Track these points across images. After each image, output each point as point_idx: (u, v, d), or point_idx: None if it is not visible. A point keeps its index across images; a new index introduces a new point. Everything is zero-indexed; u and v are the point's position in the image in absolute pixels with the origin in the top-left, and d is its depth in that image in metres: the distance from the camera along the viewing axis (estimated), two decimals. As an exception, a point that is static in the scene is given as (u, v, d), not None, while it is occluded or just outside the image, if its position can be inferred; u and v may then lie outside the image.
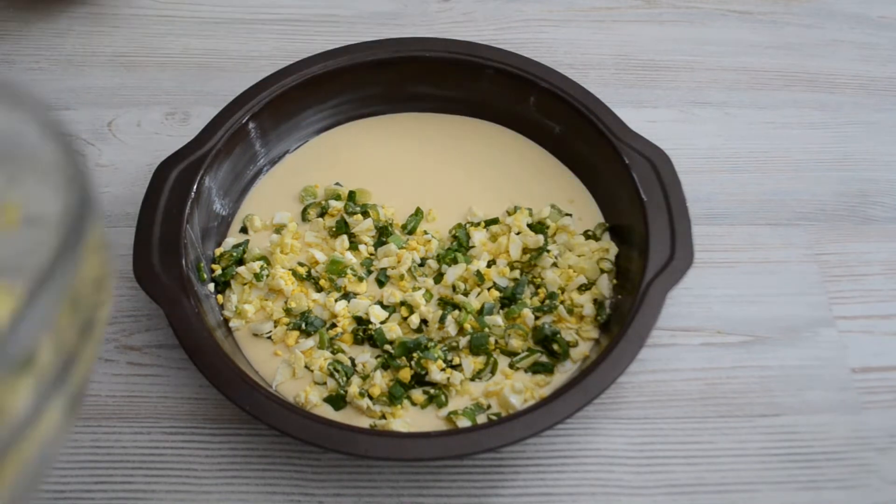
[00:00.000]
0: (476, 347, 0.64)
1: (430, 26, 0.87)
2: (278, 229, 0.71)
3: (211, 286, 0.67)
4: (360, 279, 0.67)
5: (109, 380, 0.64)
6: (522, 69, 0.73)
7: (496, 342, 0.65)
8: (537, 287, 0.67)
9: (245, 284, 0.68)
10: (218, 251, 0.69)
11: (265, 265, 0.68)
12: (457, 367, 0.63)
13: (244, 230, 0.71)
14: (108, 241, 0.39)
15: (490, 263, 0.68)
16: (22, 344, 0.31)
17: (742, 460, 0.61)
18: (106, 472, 0.60)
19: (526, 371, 0.64)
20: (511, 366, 0.64)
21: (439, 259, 0.68)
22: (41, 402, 0.33)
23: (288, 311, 0.66)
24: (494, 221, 0.71)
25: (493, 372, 0.64)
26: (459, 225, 0.70)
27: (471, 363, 0.63)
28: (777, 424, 0.63)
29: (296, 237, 0.70)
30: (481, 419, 0.61)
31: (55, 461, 0.60)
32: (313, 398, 0.62)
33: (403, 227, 0.71)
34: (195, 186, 0.66)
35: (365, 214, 0.70)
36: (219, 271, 0.67)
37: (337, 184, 0.73)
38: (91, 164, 0.76)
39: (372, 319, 0.65)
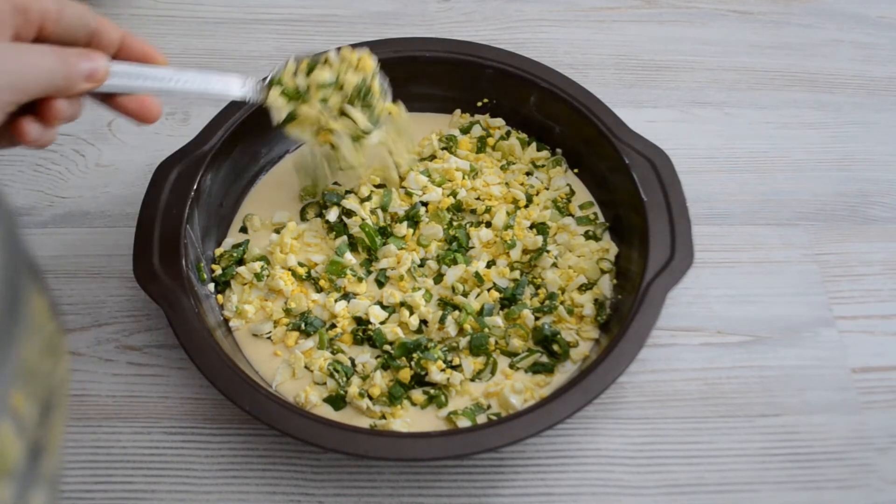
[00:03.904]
0: (476, 348, 0.64)
1: (430, 26, 0.87)
2: (278, 229, 0.71)
3: (211, 286, 0.67)
4: (360, 280, 0.67)
5: (109, 380, 0.64)
6: (522, 69, 0.73)
7: (496, 343, 0.65)
8: (537, 287, 0.67)
9: (245, 284, 0.67)
10: (218, 251, 0.69)
11: (265, 265, 0.68)
12: (457, 368, 0.63)
13: (244, 230, 0.71)
14: (52, 301, 0.33)
15: (490, 264, 0.68)
16: None
17: (742, 460, 0.61)
18: (106, 472, 0.60)
19: (526, 371, 0.64)
20: (511, 366, 0.64)
21: (439, 260, 0.68)
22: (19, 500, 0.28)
23: (288, 312, 0.66)
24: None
25: (493, 372, 0.64)
26: (459, 224, 0.70)
27: (471, 364, 0.63)
28: (777, 424, 0.63)
29: (295, 237, 0.70)
30: (481, 419, 0.61)
31: None
32: (313, 398, 0.62)
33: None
34: (195, 186, 0.66)
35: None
36: (219, 271, 0.67)
37: (336, 183, 0.73)
38: (91, 164, 0.76)
39: (372, 320, 0.65)
